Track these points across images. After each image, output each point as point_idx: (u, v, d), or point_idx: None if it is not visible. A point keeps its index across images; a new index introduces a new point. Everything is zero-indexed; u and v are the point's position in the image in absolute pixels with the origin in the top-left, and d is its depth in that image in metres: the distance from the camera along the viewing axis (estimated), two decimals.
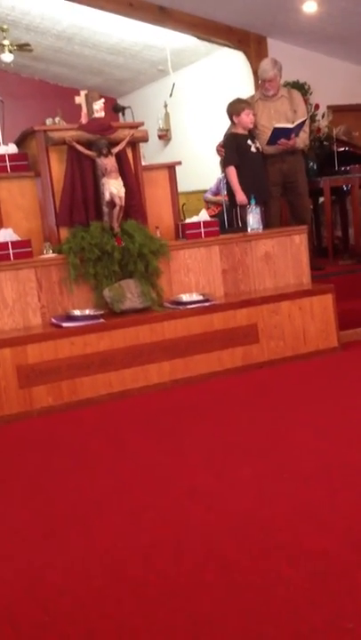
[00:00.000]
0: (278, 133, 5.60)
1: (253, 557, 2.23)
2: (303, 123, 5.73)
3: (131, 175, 4.90)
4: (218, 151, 6.01)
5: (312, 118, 7.54)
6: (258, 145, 5.68)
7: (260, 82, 5.98)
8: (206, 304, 4.73)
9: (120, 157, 4.81)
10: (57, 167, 4.79)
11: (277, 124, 5.61)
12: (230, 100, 5.76)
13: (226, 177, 5.78)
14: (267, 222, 5.63)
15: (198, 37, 7.97)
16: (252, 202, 5.29)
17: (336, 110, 8.17)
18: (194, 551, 2.32)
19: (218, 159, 6.31)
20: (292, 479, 2.84)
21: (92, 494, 2.92)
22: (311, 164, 6.78)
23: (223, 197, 5.92)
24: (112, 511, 2.73)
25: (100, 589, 2.14)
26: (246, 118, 5.59)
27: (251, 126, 5.63)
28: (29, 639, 1.93)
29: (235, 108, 5.64)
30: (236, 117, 5.64)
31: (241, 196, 5.52)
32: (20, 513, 2.80)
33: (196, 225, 5.16)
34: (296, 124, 5.64)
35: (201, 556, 2.27)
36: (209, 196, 7.69)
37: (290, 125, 5.62)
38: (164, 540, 2.42)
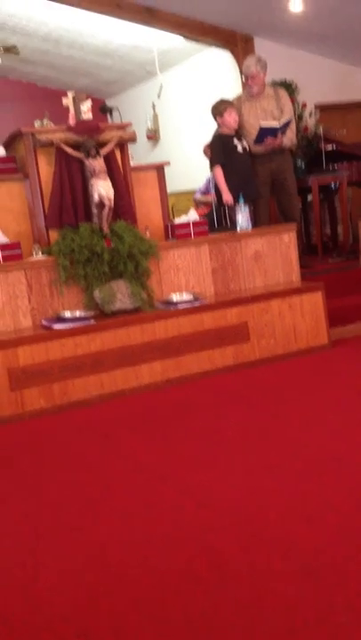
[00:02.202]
0: (265, 132, 5.62)
1: (246, 552, 2.24)
2: (290, 121, 5.74)
3: (119, 176, 4.91)
4: (204, 152, 6.02)
5: (299, 117, 7.57)
6: (245, 145, 5.69)
7: (244, 79, 6.00)
8: (197, 303, 4.74)
9: (108, 158, 4.82)
10: (45, 169, 4.79)
11: (264, 123, 5.63)
12: (216, 100, 5.78)
13: (213, 177, 5.79)
14: (256, 221, 5.64)
15: (185, 37, 7.97)
16: (241, 201, 5.30)
17: (323, 109, 8.20)
18: (186, 547, 2.33)
19: (207, 159, 6.32)
20: (283, 475, 2.86)
21: (84, 494, 2.92)
22: (299, 162, 6.80)
23: (212, 197, 5.93)
24: (104, 510, 2.74)
25: (94, 587, 2.15)
26: (229, 118, 5.61)
27: (235, 126, 5.65)
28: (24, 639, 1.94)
29: (217, 110, 5.66)
30: (219, 118, 5.66)
31: (227, 196, 5.53)
32: (12, 514, 2.81)
33: (186, 225, 5.17)
34: (282, 122, 5.65)
35: (193, 552, 2.29)
36: (198, 196, 7.70)
37: (276, 124, 5.63)
38: (157, 537, 2.43)
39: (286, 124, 5.69)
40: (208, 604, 1.98)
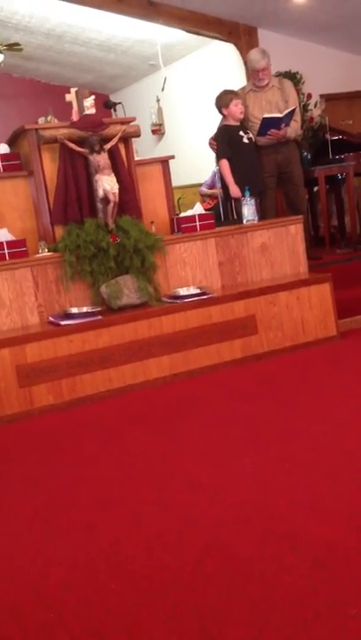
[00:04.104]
0: (268, 123, 5.58)
1: (256, 547, 2.23)
2: (293, 112, 5.69)
3: (124, 171, 4.89)
4: (210, 144, 5.99)
5: (305, 107, 7.52)
6: (250, 136, 5.66)
7: (251, 72, 5.96)
8: (204, 297, 4.73)
9: (113, 153, 4.80)
10: (49, 165, 4.78)
11: (267, 114, 5.59)
12: (220, 91, 5.74)
13: (219, 170, 5.76)
14: (262, 213, 5.61)
15: (188, 31, 7.94)
16: (247, 194, 5.27)
17: (329, 99, 8.15)
18: (197, 543, 2.32)
19: (213, 152, 6.29)
20: (293, 468, 2.84)
21: (94, 490, 2.92)
22: (305, 153, 6.76)
23: (218, 190, 5.90)
24: (114, 506, 2.73)
25: (105, 584, 2.15)
26: (235, 108, 5.57)
27: (241, 116, 5.61)
28: (36, 637, 1.93)
29: (223, 101, 5.62)
30: (225, 109, 5.62)
31: (234, 190, 5.50)
32: (22, 511, 2.81)
33: (192, 218, 5.15)
34: (285, 113, 5.61)
35: (204, 548, 2.28)
36: (204, 189, 7.67)
37: (279, 115, 5.59)
38: (167, 533, 2.42)
39: (290, 115, 5.64)
40: (219, 599, 1.98)
